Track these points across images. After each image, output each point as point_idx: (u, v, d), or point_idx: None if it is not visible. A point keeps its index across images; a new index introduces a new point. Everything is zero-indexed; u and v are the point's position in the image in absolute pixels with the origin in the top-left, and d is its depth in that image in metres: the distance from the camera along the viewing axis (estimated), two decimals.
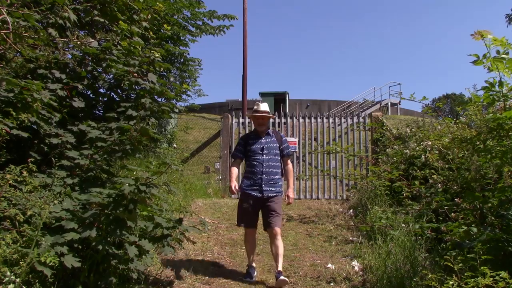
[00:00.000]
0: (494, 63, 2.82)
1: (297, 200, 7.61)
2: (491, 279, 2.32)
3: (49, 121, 3.56)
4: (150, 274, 3.66)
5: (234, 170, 4.07)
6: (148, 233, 3.38)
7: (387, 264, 3.42)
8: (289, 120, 8.46)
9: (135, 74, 3.99)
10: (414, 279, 3.01)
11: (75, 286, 2.82)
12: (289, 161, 4.11)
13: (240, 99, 18.66)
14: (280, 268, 3.72)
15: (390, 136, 6.97)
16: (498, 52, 2.80)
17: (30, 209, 2.79)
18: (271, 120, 7.22)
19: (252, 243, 3.99)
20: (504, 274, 2.32)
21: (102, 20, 4.58)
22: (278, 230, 3.83)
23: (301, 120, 8.48)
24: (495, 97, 3.08)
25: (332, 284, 3.68)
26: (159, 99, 4.42)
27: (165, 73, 9.32)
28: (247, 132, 8.50)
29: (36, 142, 3.60)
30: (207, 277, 3.86)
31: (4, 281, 2.39)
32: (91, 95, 4.31)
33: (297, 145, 8.31)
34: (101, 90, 4.39)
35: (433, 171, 4.59)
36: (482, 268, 2.41)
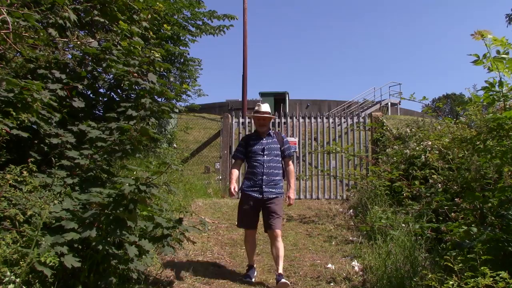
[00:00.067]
0: (494, 63, 2.82)
1: (297, 200, 7.60)
2: (491, 279, 2.32)
3: (49, 121, 3.56)
4: (150, 274, 3.66)
5: (234, 172, 4.02)
6: (148, 233, 3.38)
7: (387, 264, 3.42)
8: (289, 120, 8.46)
9: (135, 74, 3.99)
10: (414, 279, 3.01)
11: (75, 286, 2.82)
12: (290, 162, 4.07)
13: (240, 99, 18.67)
14: (280, 270, 3.70)
15: (390, 136, 6.97)
16: (498, 52, 2.80)
17: (30, 209, 2.79)
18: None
19: (252, 244, 3.97)
20: (504, 274, 2.32)
21: (102, 20, 4.58)
22: (278, 232, 3.80)
23: (301, 120, 8.47)
24: (495, 97, 3.08)
25: (332, 284, 3.68)
26: (159, 99, 4.41)
27: (165, 73, 9.32)
28: (247, 132, 8.50)
29: (36, 142, 3.60)
30: (207, 277, 3.86)
31: (4, 281, 2.39)
32: (91, 95, 4.31)
33: (297, 145, 8.31)
34: (101, 90, 4.39)
35: (433, 171, 4.59)
36: (482, 268, 2.41)
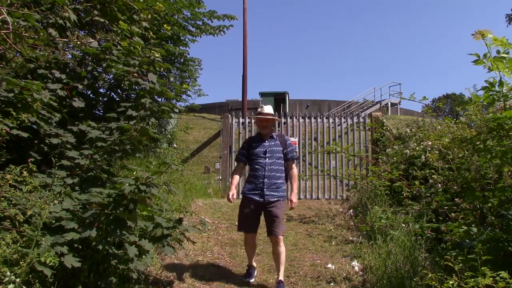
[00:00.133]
0: (494, 62, 2.82)
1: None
2: (491, 279, 2.32)
3: (49, 121, 3.56)
4: (150, 274, 3.66)
5: (235, 178, 3.93)
6: (148, 233, 3.38)
7: (387, 264, 3.42)
8: (289, 120, 8.46)
9: (135, 74, 3.99)
10: (414, 279, 3.01)
11: (75, 286, 2.83)
12: (293, 166, 3.97)
13: (240, 99, 18.67)
14: (281, 277, 3.63)
15: (390, 136, 6.97)
16: (498, 52, 2.80)
17: (30, 209, 2.79)
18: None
19: (252, 246, 3.91)
20: (504, 274, 2.32)
21: (102, 20, 4.58)
22: (280, 237, 3.70)
23: (301, 120, 8.47)
24: (495, 97, 3.08)
25: (332, 284, 3.68)
26: (159, 99, 4.41)
27: (165, 73, 9.33)
28: (247, 132, 8.51)
29: (36, 142, 3.60)
30: (207, 277, 3.86)
31: (4, 281, 2.39)
32: (91, 95, 4.31)
33: (297, 145, 8.31)
34: (101, 90, 4.39)
35: (433, 171, 4.59)
36: (483, 268, 2.41)
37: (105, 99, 4.41)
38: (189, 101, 15.77)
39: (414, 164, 5.16)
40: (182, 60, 11.58)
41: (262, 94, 23.34)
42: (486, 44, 2.77)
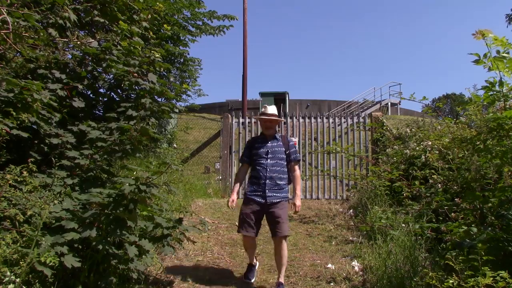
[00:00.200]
0: (494, 62, 2.81)
1: None
2: (491, 278, 2.32)
3: (49, 121, 3.56)
4: (150, 274, 3.67)
5: (237, 185, 3.88)
6: (148, 233, 3.38)
7: (387, 264, 3.42)
8: (289, 120, 8.46)
9: (135, 74, 3.99)
10: (414, 279, 3.01)
11: (75, 286, 2.83)
12: (296, 167, 3.90)
13: (240, 99, 18.68)
14: (281, 279, 3.61)
15: (390, 136, 6.97)
16: (498, 52, 2.80)
17: (30, 209, 2.79)
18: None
19: (252, 246, 3.81)
20: (504, 273, 2.32)
21: (102, 20, 4.58)
22: (283, 239, 3.64)
23: (301, 120, 8.47)
24: (495, 97, 3.08)
25: (332, 284, 3.68)
26: (159, 99, 4.41)
27: (165, 73, 9.33)
28: (247, 132, 8.51)
29: (36, 142, 3.60)
30: (207, 277, 3.86)
31: (4, 281, 2.39)
32: (91, 95, 4.31)
33: (297, 145, 8.31)
34: (101, 90, 4.39)
35: (433, 171, 4.59)
36: (483, 268, 2.41)
37: (105, 99, 4.41)
38: (189, 101, 15.78)
39: (414, 164, 5.16)
40: (182, 60, 11.59)
41: (262, 94, 23.34)
42: (486, 44, 2.77)
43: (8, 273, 2.42)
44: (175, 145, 11.78)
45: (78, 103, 3.83)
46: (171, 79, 10.57)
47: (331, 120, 8.49)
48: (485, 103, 3.38)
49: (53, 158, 3.31)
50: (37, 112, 3.34)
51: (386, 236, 3.99)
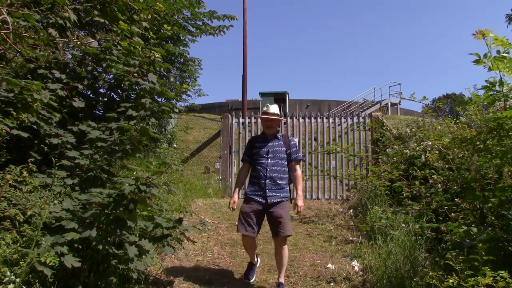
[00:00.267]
0: (494, 62, 2.81)
1: None
2: (491, 278, 2.32)
3: (49, 121, 3.56)
4: (150, 274, 3.66)
5: (237, 187, 3.85)
6: (148, 233, 3.38)
7: (387, 264, 3.42)
8: (289, 120, 8.46)
9: (135, 74, 3.99)
10: (414, 279, 3.01)
11: (75, 286, 2.83)
12: (298, 167, 3.85)
13: (240, 99, 18.69)
14: (281, 279, 3.60)
15: (390, 136, 6.97)
16: (498, 52, 2.80)
17: (30, 209, 2.79)
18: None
19: (252, 246, 3.76)
20: (504, 273, 2.32)
21: (102, 20, 4.57)
22: (284, 239, 3.63)
23: (301, 120, 8.47)
24: (495, 96, 3.08)
25: (332, 284, 3.68)
26: (159, 99, 4.41)
27: (165, 73, 9.32)
28: (247, 132, 8.51)
29: (36, 142, 3.60)
30: (207, 277, 3.86)
31: (4, 281, 2.39)
32: (91, 95, 4.31)
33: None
34: (101, 90, 4.38)
35: (433, 171, 4.58)
36: (484, 268, 2.41)
37: (105, 99, 4.41)
38: (189, 101, 15.77)
39: (414, 164, 5.16)
40: (182, 60, 11.57)
41: (262, 94, 23.34)
42: (486, 44, 2.77)
43: (8, 273, 2.42)
44: (175, 145, 11.77)
45: (78, 103, 3.83)
46: (171, 79, 10.57)
47: (331, 120, 8.49)
48: (485, 103, 3.38)
49: (53, 158, 3.31)
50: (37, 112, 3.34)
51: (386, 236, 3.99)
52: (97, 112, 4.46)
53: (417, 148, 5.36)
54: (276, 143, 3.79)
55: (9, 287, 2.38)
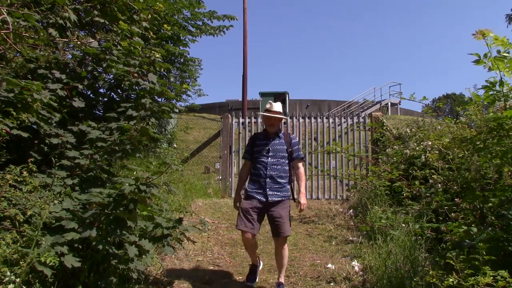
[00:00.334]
0: (495, 62, 2.81)
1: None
2: (491, 278, 2.33)
3: (49, 121, 3.56)
4: (150, 274, 3.66)
5: (239, 186, 3.83)
6: (148, 233, 3.38)
7: (387, 264, 3.42)
8: (289, 120, 8.46)
9: (136, 75, 3.99)
10: (414, 279, 3.01)
11: (75, 286, 2.82)
12: (300, 165, 3.79)
13: (240, 99, 18.70)
14: (281, 279, 3.59)
15: (390, 136, 6.97)
16: (498, 51, 2.80)
17: (30, 209, 2.79)
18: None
19: (253, 245, 3.66)
20: (504, 273, 2.32)
21: (102, 20, 4.57)
22: (284, 239, 3.61)
23: (301, 120, 8.47)
24: (495, 96, 3.08)
25: (332, 284, 3.68)
26: (159, 99, 4.41)
27: (165, 73, 9.32)
28: (247, 132, 8.50)
29: (36, 142, 3.60)
30: (207, 277, 3.86)
31: (4, 281, 2.39)
32: (91, 95, 4.31)
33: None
34: (101, 90, 4.38)
35: (433, 171, 4.58)
36: (484, 267, 2.41)
37: (105, 99, 4.41)
38: (189, 101, 15.78)
39: (414, 164, 5.16)
40: (182, 60, 11.57)
41: (262, 94, 23.36)
42: (486, 43, 2.77)
43: (8, 273, 2.42)
44: (175, 145, 11.78)
45: (78, 103, 3.83)
46: (171, 79, 10.57)
47: (331, 120, 8.49)
48: (485, 103, 3.38)
49: (53, 158, 3.31)
50: (37, 112, 3.34)
51: (386, 236, 3.99)
52: (97, 112, 4.46)
53: (417, 148, 5.36)
54: (277, 142, 3.73)
55: (9, 287, 2.38)
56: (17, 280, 2.42)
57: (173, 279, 3.71)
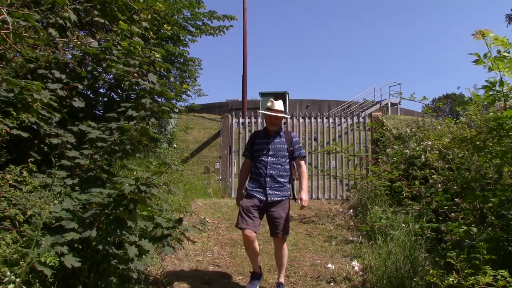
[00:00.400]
0: (495, 62, 2.81)
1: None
2: (491, 277, 2.33)
3: (49, 121, 3.56)
4: (150, 274, 3.66)
5: (240, 186, 3.77)
6: (148, 233, 3.38)
7: (387, 264, 3.42)
8: (289, 120, 8.46)
9: (135, 75, 3.99)
10: (414, 279, 3.01)
11: (75, 286, 2.83)
12: (302, 163, 3.73)
13: (240, 99, 18.70)
14: (281, 279, 3.58)
15: (390, 136, 6.97)
16: (498, 51, 2.79)
17: (30, 209, 2.79)
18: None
19: (253, 248, 3.53)
20: (504, 272, 2.33)
21: (102, 20, 4.57)
22: (283, 239, 3.58)
23: (301, 120, 8.48)
24: (495, 96, 3.08)
25: (332, 284, 3.68)
26: (159, 99, 4.41)
27: (165, 73, 9.32)
28: (247, 132, 8.50)
29: (36, 142, 3.60)
30: (207, 277, 3.86)
31: (4, 281, 2.39)
32: (91, 95, 4.31)
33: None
34: (101, 90, 4.38)
35: (433, 171, 4.58)
36: (485, 267, 2.41)
37: (105, 99, 4.41)
38: (189, 101, 15.76)
39: (414, 164, 5.16)
40: (182, 60, 11.57)
41: (262, 94, 23.36)
42: (486, 43, 2.76)
43: (8, 273, 2.42)
44: (175, 145, 11.77)
45: (78, 103, 3.83)
46: (171, 79, 10.56)
47: (331, 120, 8.49)
48: (485, 103, 3.38)
49: (53, 158, 3.31)
50: (37, 112, 3.34)
51: (386, 236, 3.99)
52: (97, 112, 4.46)
53: (417, 148, 5.36)
54: (277, 140, 3.67)
55: (9, 287, 2.38)
56: (17, 280, 2.42)
57: (173, 279, 3.71)
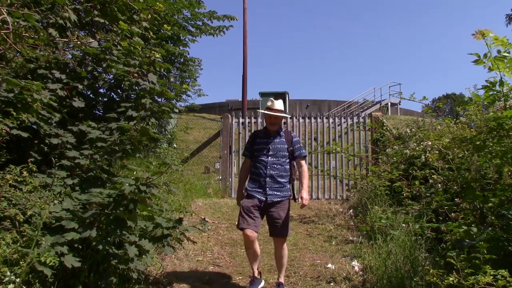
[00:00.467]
0: (495, 62, 2.81)
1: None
2: (492, 277, 2.33)
3: (49, 121, 3.56)
4: (150, 274, 3.66)
5: (241, 186, 3.75)
6: (148, 233, 3.38)
7: (387, 264, 3.42)
8: (289, 120, 8.46)
9: (135, 75, 3.99)
10: (414, 279, 3.01)
11: (75, 286, 2.83)
12: (303, 163, 3.70)
13: (240, 99, 18.70)
14: (281, 279, 3.57)
15: (390, 136, 6.97)
16: (498, 51, 2.79)
17: (30, 209, 2.79)
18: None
19: (254, 249, 3.52)
20: (504, 272, 2.33)
21: (102, 20, 4.57)
22: (283, 240, 3.57)
23: (301, 120, 8.48)
24: (495, 96, 3.08)
25: (332, 284, 3.68)
26: (159, 99, 4.41)
27: (165, 73, 9.32)
28: (247, 132, 8.50)
29: (36, 142, 3.60)
30: (207, 277, 3.86)
31: (4, 281, 2.39)
32: (91, 95, 4.31)
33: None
34: (101, 90, 4.38)
35: (433, 171, 4.59)
36: (485, 267, 2.41)
37: (105, 99, 4.41)
38: (189, 101, 15.73)
39: (414, 164, 5.16)
40: (182, 60, 11.56)
41: (262, 94, 23.36)
42: (486, 43, 2.76)
43: (8, 273, 2.42)
44: (175, 145, 11.77)
45: (78, 103, 3.83)
46: (171, 79, 10.55)
47: (331, 120, 8.49)
48: (485, 103, 3.38)
49: (53, 158, 3.31)
50: (37, 112, 3.34)
51: (386, 236, 3.99)
52: (97, 112, 4.46)
53: (417, 148, 5.36)
54: (277, 140, 3.65)
55: (9, 287, 2.38)
56: (17, 280, 2.42)
57: (173, 279, 3.71)
